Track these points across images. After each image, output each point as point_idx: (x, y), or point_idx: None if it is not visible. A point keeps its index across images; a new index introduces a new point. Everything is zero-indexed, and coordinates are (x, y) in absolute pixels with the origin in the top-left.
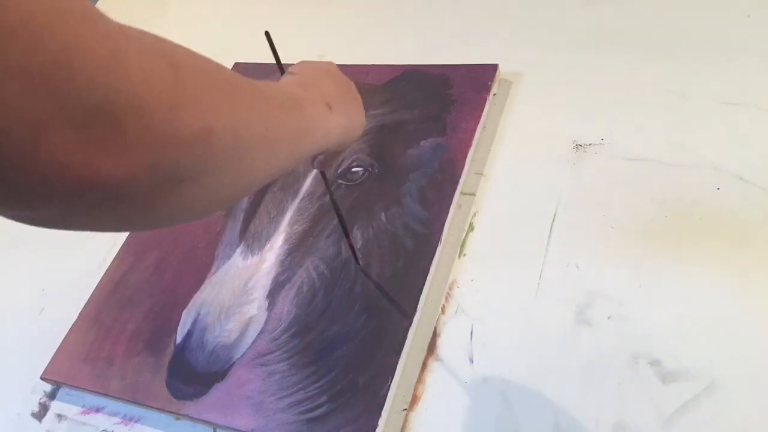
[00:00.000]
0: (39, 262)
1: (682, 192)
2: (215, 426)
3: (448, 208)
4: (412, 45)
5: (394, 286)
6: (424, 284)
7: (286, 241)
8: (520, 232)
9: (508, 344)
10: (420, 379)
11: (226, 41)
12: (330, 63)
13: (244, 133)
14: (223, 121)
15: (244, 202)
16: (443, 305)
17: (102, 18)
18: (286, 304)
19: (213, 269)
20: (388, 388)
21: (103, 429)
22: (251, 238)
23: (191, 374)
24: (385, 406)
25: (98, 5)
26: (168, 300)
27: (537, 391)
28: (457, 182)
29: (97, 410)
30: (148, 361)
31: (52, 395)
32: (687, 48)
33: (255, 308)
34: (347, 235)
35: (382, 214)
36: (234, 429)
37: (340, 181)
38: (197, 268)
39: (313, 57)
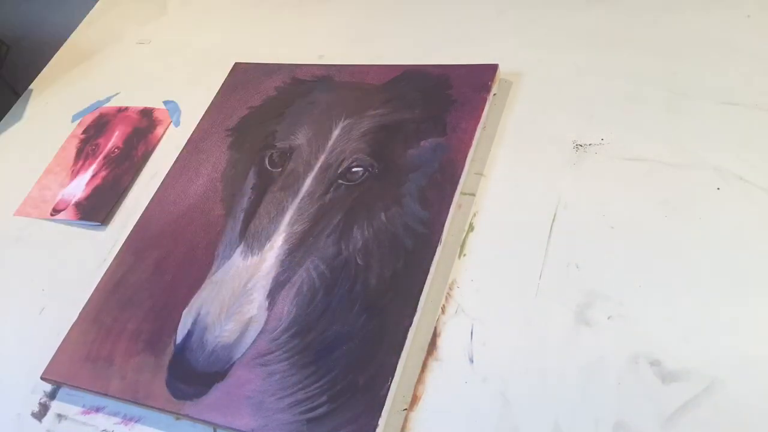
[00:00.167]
0: (39, 262)
1: (682, 192)
2: (215, 426)
3: (448, 208)
4: (412, 45)
5: (394, 286)
6: (424, 284)
7: (286, 241)
8: (520, 232)
9: (508, 344)
10: (420, 379)
11: (226, 41)
12: None
13: None
14: None
15: (244, 202)
16: (443, 305)
17: None
18: (286, 304)
19: (213, 269)
20: (388, 388)
21: (103, 429)
22: (251, 238)
23: (191, 374)
24: (385, 406)
25: (98, 5)
26: (168, 300)
27: (537, 391)
28: (457, 182)
29: (97, 410)
30: (148, 361)
31: (52, 395)
32: (687, 48)
33: (255, 308)
34: None
35: (382, 214)
36: (234, 429)
37: (340, 181)
38: (197, 268)
39: (313, 57)
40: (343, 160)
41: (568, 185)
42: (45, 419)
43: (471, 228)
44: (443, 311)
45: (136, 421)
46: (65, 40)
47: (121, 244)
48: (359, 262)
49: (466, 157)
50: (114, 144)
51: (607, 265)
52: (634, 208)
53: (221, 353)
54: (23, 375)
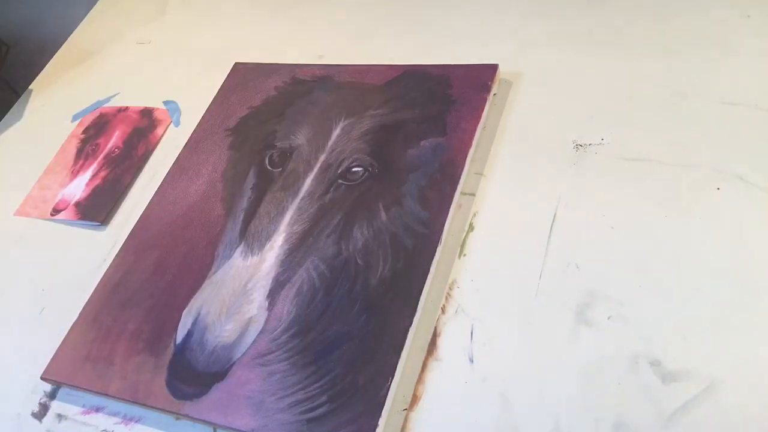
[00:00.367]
0: (39, 262)
1: (682, 192)
2: (215, 426)
3: (448, 208)
4: (412, 45)
5: (394, 286)
6: (424, 284)
7: (286, 241)
8: (520, 232)
9: (508, 344)
10: (420, 379)
11: (226, 41)
12: None
13: None
14: None
15: (244, 202)
16: (443, 305)
17: None
18: (286, 304)
19: (213, 269)
20: (388, 388)
21: (103, 429)
22: (251, 238)
23: (191, 374)
24: (385, 406)
25: (98, 5)
26: (168, 300)
27: (537, 391)
28: (457, 182)
29: (97, 410)
30: (148, 361)
31: (52, 395)
32: (687, 48)
33: (255, 308)
34: None
35: (382, 214)
36: (234, 429)
37: (340, 181)
38: (197, 268)
39: (313, 57)
40: (343, 160)
41: (568, 185)
42: (45, 419)
43: (471, 228)
44: (443, 311)
45: (136, 421)
46: (65, 40)
47: (121, 244)
48: (359, 262)
49: (466, 157)
50: (114, 144)
51: (607, 265)
52: (634, 208)
53: (221, 353)
54: (23, 375)
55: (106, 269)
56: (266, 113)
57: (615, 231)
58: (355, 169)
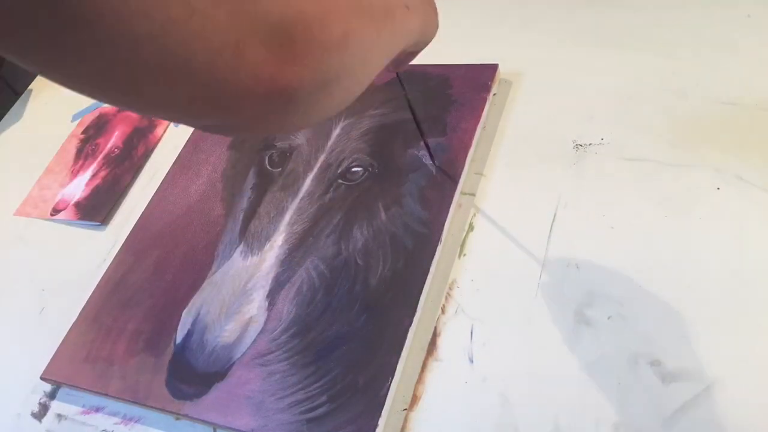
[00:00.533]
0: (39, 262)
1: (682, 192)
2: (215, 426)
3: (448, 208)
4: None
5: (394, 286)
6: (424, 284)
7: (286, 241)
8: (520, 232)
9: (508, 344)
10: (420, 379)
11: None
12: None
13: (366, 36)
14: (354, 25)
15: (244, 202)
16: (443, 305)
17: None
18: (286, 304)
19: (213, 269)
20: (388, 388)
21: (103, 429)
22: (251, 238)
23: (191, 374)
24: (385, 406)
25: None
26: (168, 300)
27: (537, 391)
28: (457, 182)
29: (97, 410)
30: (148, 361)
31: (52, 395)
32: (687, 48)
33: (255, 308)
34: (422, 134)
35: (382, 213)
36: (234, 429)
37: (340, 181)
38: (197, 268)
39: None
40: (342, 160)
41: (568, 185)
42: (45, 419)
43: (471, 228)
44: (443, 311)
45: (136, 421)
46: None
47: (121, 244)
48: (359, 262)
49: (466, 157)
50: (114, 144)
51: (607, 265)
52: (634, 208)
53: (221, 353)
54: (23, 375)
55: (106, 269)
56: None
57: (615, 231)
58: (354, 169)
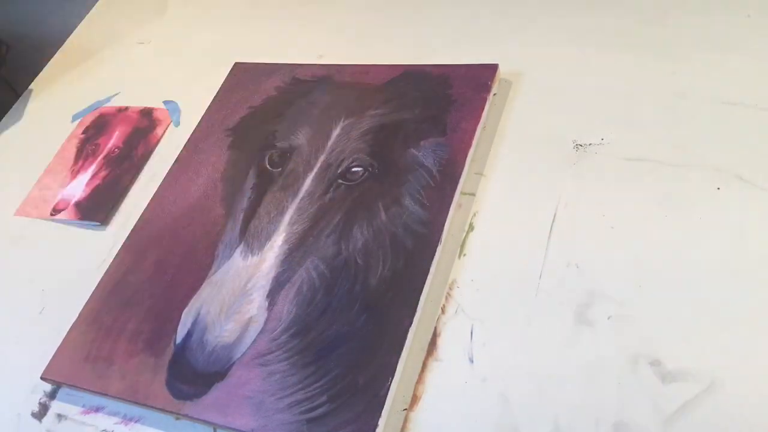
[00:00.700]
0: (39, 262)
1: (682, 192)
2: (215, 426)
3: (448, 208)
4: (412, 45)
5: (394, 286)
6: (424, 284)
7: (286, 241)
8: (520, 232)
9: (508, 344)
10: (420, 379)
11: (226, 41)
12: None
13: None
14: None
15: (244, 202)
16: (443, 305)
17: None
18: (286, 304)
19: (213, 269)
20: (388, 388)
21: (103, 429)
22: (251, 237)
23: (191, 374)
24: (385, 406)
25: (98, 5)
26: (168, 300)
27: (537, 391)
28: (457, 182)
29: (97, 410)
30: (148, 361)
31: (52, 395)
32: (687, 48)
33: (255, 308)
34: None
35: (382, 213)
36: (234, 429)
37: (340, 181)
38: (197, 268)
39: (312, 57)
40: (342, 160)
41: (568, 185)
42: (45, 419)
43: (471, 228)
44: (443, 311)
45: (136, 421)
46: (65, 40)
47: (121, 244)
48: (359, 262)
49: (466, 157)
50: (114, 144)
51: (607, 265)
52: (634, 208)
53: (221, 353)
54: (23, 375)
55: (106, 269)
56: (266, 113)
57: (615, 231)
58: (355, 169)
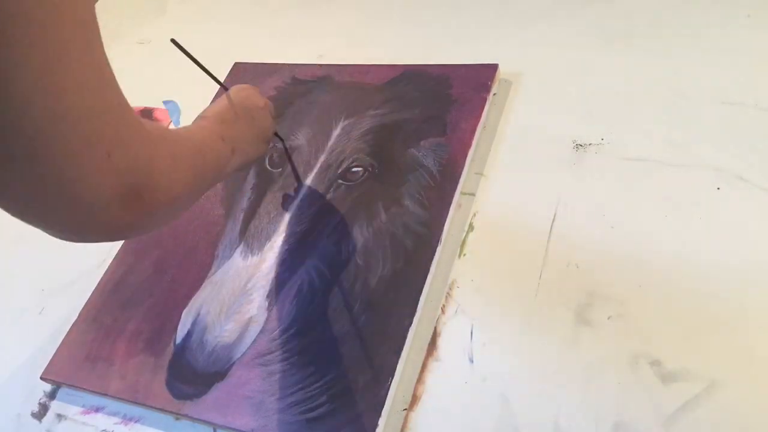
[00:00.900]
0: (39, 262)
1: (682, 192)
2: (215, 426)
3: (448, 208)
4: (412, 45)
5: (394, 286)
6: (424, 284)
7: (286, 241)
8: (520, 232)
9: (508, 344)
10: (420, 379)
11: (226, 41)
12: (253, 94)
13: (197, 189)
14: (182, 190)
15: (244, 202)
16: (443, 305)
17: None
18: (286, 304)
19: (213, 269)
20: (388, 388)
21: (103, 429)
22: (251, 238)
23: (191, 374)
24: (385, 406)
25: (98, 5)
26: (168, 300)
27: (537, 391)
28: (457, 182)
29: (97, 410)
30: (148, 361)
31: (52, 395)
32: (687, 48)
33: (255, 308)
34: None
35: (382, 213)
36: (234, 429)
37: (340, 181)
38: (197, 268)
39: (312, 57)
40: (343, 160)
41: (568, 185)
42: (45, 419)
43: (471, 228)
44: (443, 311)
45: (135, 421)
46: None
47: (121, 244)
48: (359, 262)
49: (466, 157)
50: None
51: (607, 265)
52: (634, 208)
53: (221, 353)
54: (23, 375)
55: (106, 269)
56: None
57: (615, 231)
58: (355, 169)
